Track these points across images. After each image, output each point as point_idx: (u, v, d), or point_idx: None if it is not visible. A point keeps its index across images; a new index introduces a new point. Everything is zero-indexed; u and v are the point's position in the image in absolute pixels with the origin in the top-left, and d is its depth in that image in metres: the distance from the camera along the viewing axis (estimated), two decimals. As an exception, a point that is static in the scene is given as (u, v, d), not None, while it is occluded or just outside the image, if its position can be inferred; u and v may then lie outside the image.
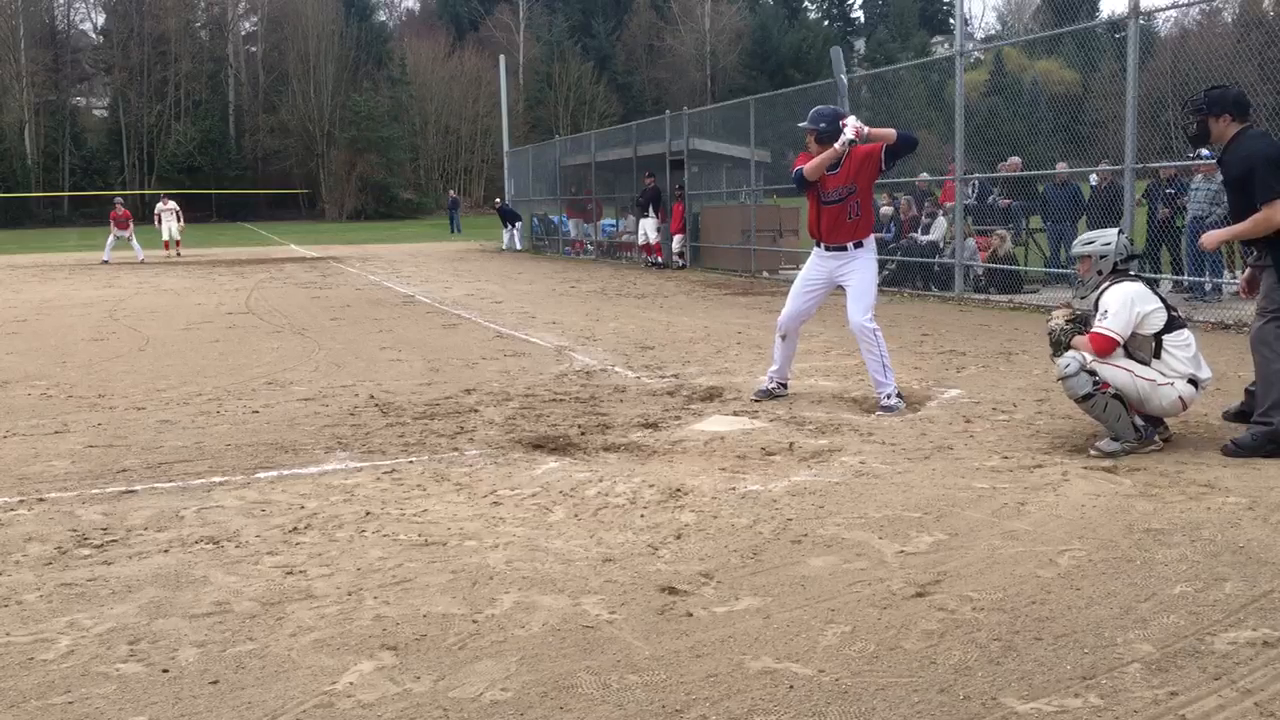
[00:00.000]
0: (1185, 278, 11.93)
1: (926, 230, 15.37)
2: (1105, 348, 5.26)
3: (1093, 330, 5.33)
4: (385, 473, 5.30)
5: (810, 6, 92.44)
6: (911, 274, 15.06)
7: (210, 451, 5.86)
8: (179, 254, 29.11)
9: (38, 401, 7.55)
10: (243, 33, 76.07)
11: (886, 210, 16.47)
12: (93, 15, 75.63)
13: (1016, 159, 14.44)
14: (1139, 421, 5.30)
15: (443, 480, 5.14)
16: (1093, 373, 5.24)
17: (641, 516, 4.49)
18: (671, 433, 6.11)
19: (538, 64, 75.78)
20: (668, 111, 23.04)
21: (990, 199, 14.99)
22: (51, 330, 12.15)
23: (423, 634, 3.29)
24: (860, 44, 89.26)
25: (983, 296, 13.44)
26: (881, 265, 15.58)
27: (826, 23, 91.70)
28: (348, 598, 3.61)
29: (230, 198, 62.94)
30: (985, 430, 5.97)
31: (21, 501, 4.89)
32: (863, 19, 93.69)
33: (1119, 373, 5.28)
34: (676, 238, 21.40)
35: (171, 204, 29.83)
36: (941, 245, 14.93)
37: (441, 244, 35.98)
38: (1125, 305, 5.27)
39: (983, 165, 14.61)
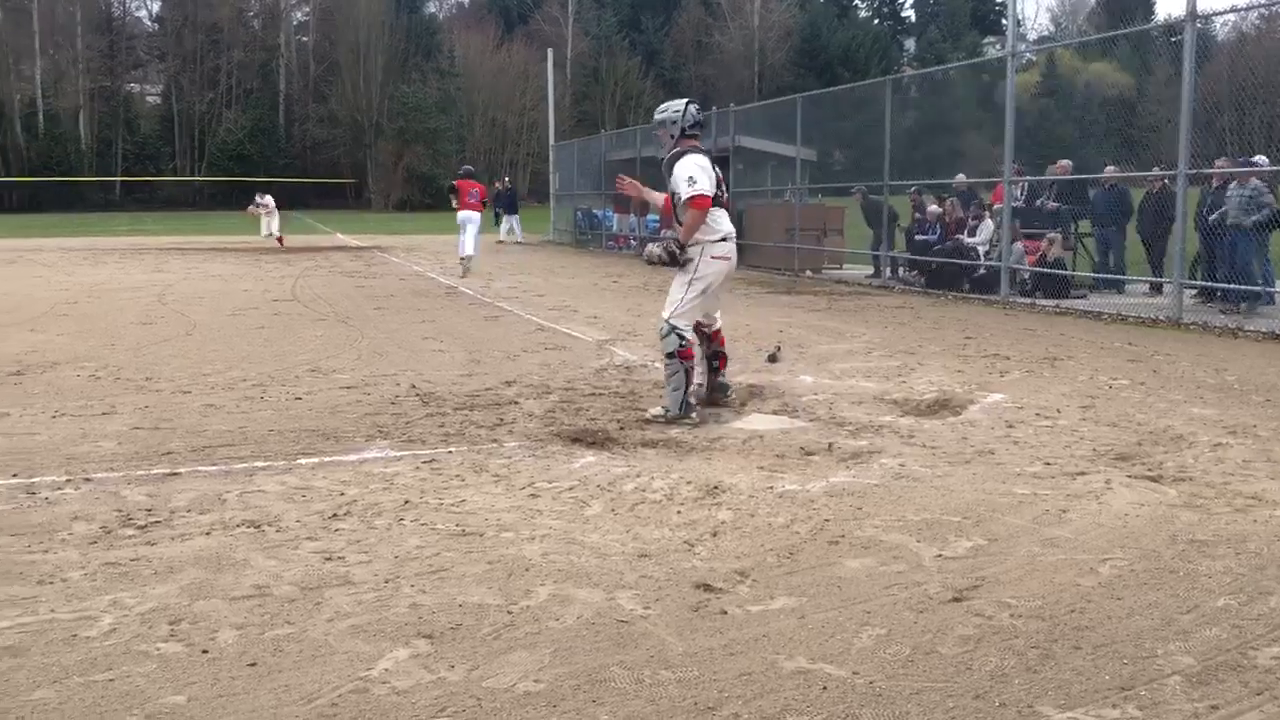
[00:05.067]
0: (1231, 286, 11.66)
1: (973, 233, 15.23)
2: (704, 204, 6.21)
3: (686, 197, 6.21)
4: (424, 462, 5.34)
5: (861, 5, 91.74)
6: (956, 276, 14.93)
7: (253, 436, 5.93)
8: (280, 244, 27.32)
9: (86, 383, 7.68)
10: (294, 23, 76.80)
11: (934, 210, 16.35)
12: (148, 3, 76.83)
13: (1067, 162, 14.26)
14: (692, 400, 6.34)
15: (481, 471, 5.17)
16: (682, 336, 6.28)
17: (678, 513, 4.48)
18: (710, 430, 6.11)
19: (585, 58, 75.83)
20: (714, 108, 22.97)
21: (1039, 202, 14.83)
22: (101, 313, 12.34)
23: (458, 623, 3.31)
24: (911, 43, 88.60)
25: (1028, 301, 13.29)
26: (925, 266, 15.59)
27: (877, 21, 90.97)
28: (385, 585, 3.64)
29: (279, 186, 63.48)
30: (1028, 436, 5.90)
31: (69, 481, 4.97)
32: (913, 18, 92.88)
33: (688, 295, 6.32)
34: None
35: (268, 199, 28.06)
36: (988, 248, 14.78)
37: (485, 235, 36.09)
38: (704, 171, 6.27)
39: (1033, 168, 14.44)
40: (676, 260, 6.36)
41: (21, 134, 64.36)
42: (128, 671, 2.96)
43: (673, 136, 6.51)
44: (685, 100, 6.69)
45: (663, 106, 6.70)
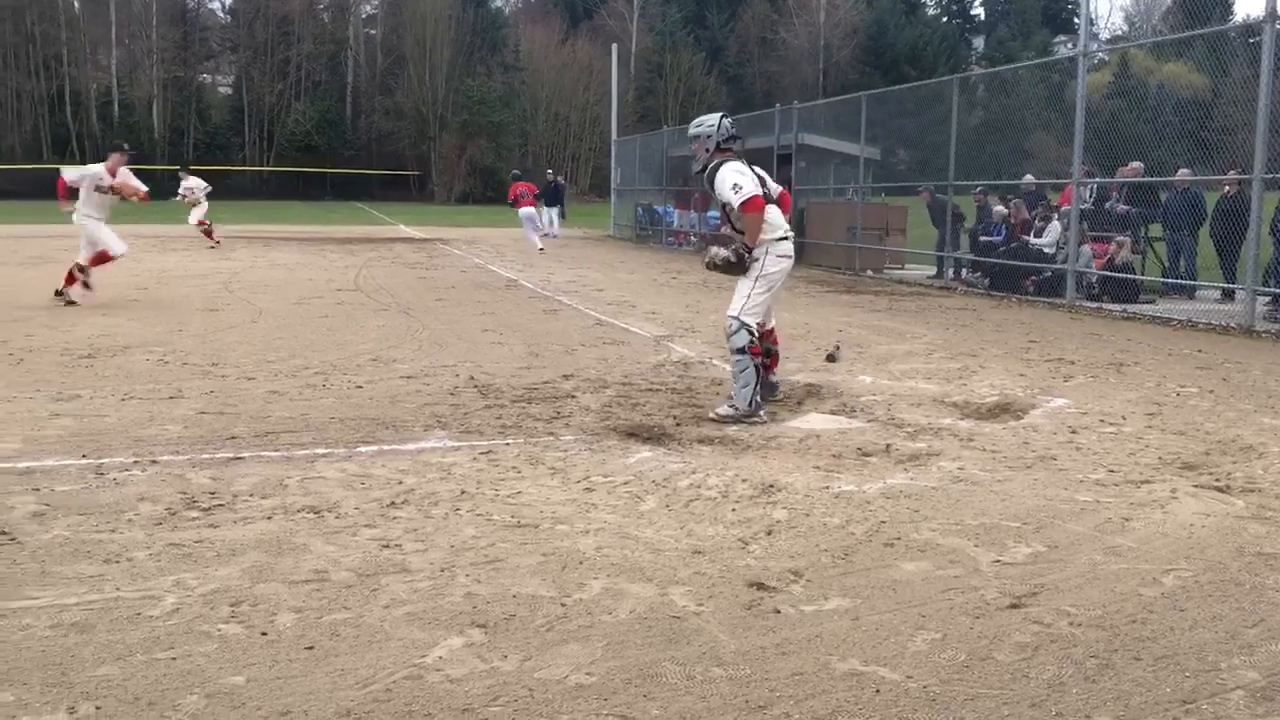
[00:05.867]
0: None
1: (1039, 234, 14.99)
2: (759, 204, 6.30)
3: (739, 203, 6.29)
4: (482, 453, 5.38)
5: (929, 3, 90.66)
6: (1020, 278, 14.71)
7: (315, 423, 6.01)
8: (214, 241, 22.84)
9: (155, 367, 7.84)
10: (363, 15, 77.76)
11: (1000, 210, 16.12)
12: (221, -5, 78.16)
13: (1138, 164, 13.98)
14: (758, 399, 6.29)
15: (537, 464, 5.20)
16: (752, 332, 6.33)
17: (733, 510, 4.47)
18: (767, 428, 6.08)
19: (649, 54, 75.84)
20: (778, 105, 22.86)
21: (1108, 204, 14.55)
22: (169, 299, 12.60)
23: (512, 614, 3.33)
24: (979, 41, 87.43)
25: (1095, 305, 13.06)
26: (988, 268, 15.38)
27: (945, 19, 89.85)
28: (441, 574, 3.67)
29: (344, 177, 64.37)
30: (1091, 442, 5.81)
31: (136, 462, 5.08)
32: (983, 16, 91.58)
33: (754, 290, 6.40)
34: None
35: (192, 181, 23.56)
36: (1054, 250, 14.54)
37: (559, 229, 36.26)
38: (743, 174, 6.37)
39: (1102, 170, 14.18)
40: (744, 262, 6.40)
41: (97, 122, 65.89)
42: (189, 651, 3.02)
43: (708, 150, 6.59)
44: (719, 114, 6.82)
45: (697, 121, 6.80)
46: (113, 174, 12.29)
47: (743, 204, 6.29)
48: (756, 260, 6.41)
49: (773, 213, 6.48)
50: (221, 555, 3.81)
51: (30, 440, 5.50)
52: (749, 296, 6.42)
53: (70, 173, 12.55)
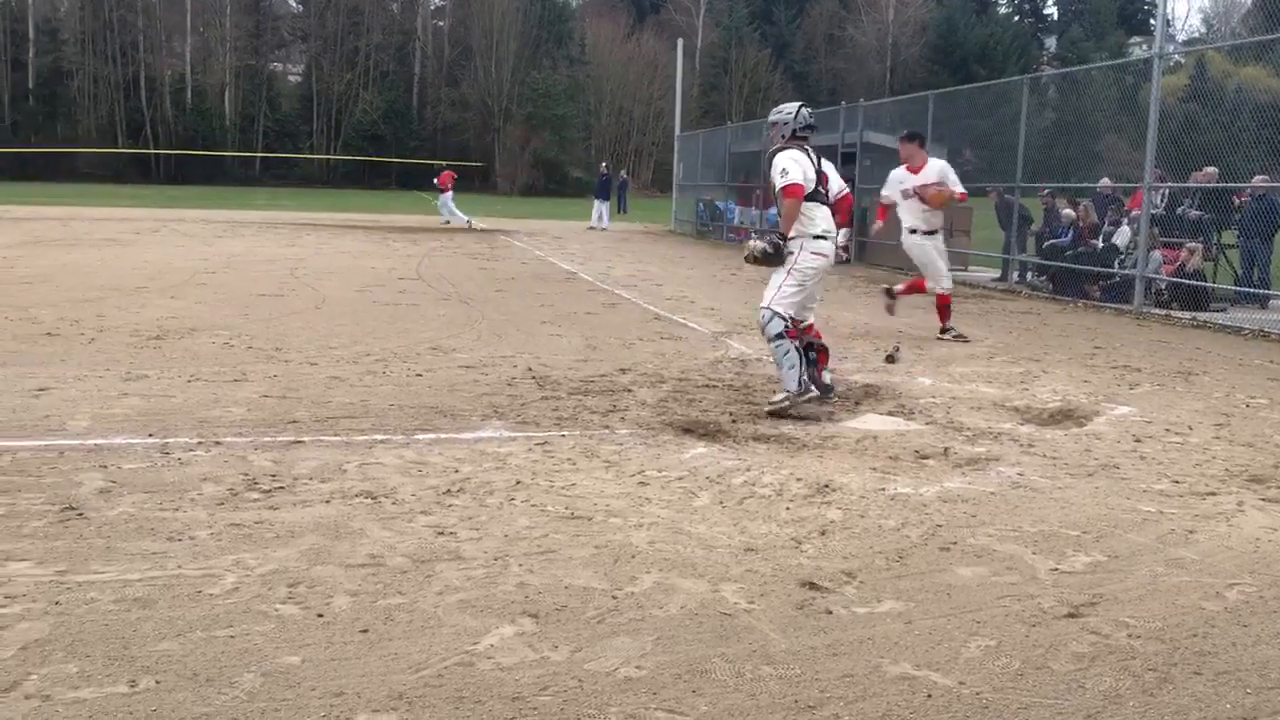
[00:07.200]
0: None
1: (1108, 238, 14.72)
2: (796, 192, 6.37)
3: (780, 187, 6.40)
4: (537, 444, 5.41)
5: (1000, 1, 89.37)
6: (1087, 283, 14.45)
7: (374, 410, 6.08)
8: None
9: (220, 350, 7.98)
10: (432, 7, 78.48)
11: (1068, 213, 15.87)
12: (294, -15, 79.31)
13: (1212, 169, 13.67)
14: (805, 379, 6.33)
15: (592, 456, 5.21)
16: (785, 319, 6.38)
17: (787, 509, 4.45)
18: (823, 428, 6.04)
19: (715, 49, 75.70)
20: (843, 103, 22.67)
21: (1180, 210, 14.24)
22: (237, 284, 12.81)
23: (563, 605, 3.35)
24: (1052, 41, 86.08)
25: (1163, 312, 12.80)
26: (1054, 272, 15.15)
27: (1017, 18, 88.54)
28: (494, 562, 3.70)
29: (409, 167, 64.99)
30: (1156, 452, 5.69)
31: (200, 443, 5.18)
32: (1056, 16, 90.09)
33: (786, 282, 6.45)
34: (842, 231, 21.00)
35: None
36: (1124, 255, 14.27)
37: (579, 221, 36.30)
38: (797, 162, 6.45)
39: (1175, 174, 13.88)
40: (780, 254, 6.49)
41: (170, 108, 67.26)
42: (247, 630, 3.08)
43: (783, 137, 6.69)
44: (799, 104, 6.95)
45: (777, 108, 6.92)
46: (913, 170, 10.12)
47: (782, 188, 6.39)
48: (791, 253, 6.48)
49: (813, 209, 6.52)
50: (281, 537, 3.88)
51: (99, 418, 5.63)
52: (780, 288, 6.48)
53: (887, 193, 10.46)
